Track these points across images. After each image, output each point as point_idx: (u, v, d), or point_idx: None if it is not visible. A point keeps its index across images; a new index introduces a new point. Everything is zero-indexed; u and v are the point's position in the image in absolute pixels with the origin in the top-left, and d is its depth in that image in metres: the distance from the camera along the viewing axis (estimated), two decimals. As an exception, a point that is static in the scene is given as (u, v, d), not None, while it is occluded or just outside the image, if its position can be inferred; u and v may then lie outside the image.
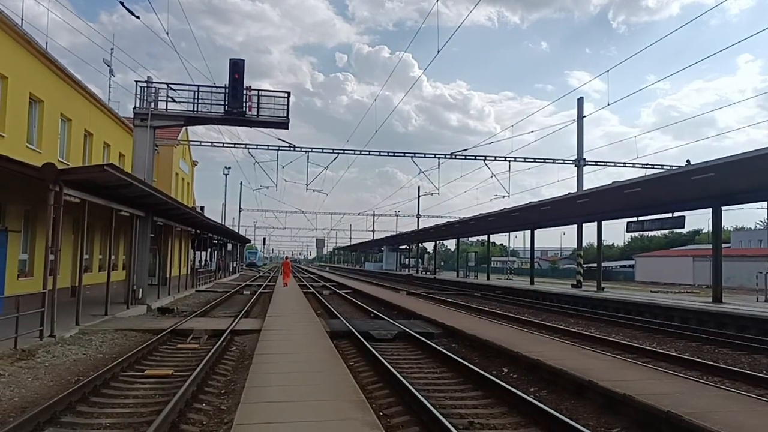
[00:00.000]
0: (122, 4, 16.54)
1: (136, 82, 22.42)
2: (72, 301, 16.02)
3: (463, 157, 36.59)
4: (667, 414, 6.81)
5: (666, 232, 77.39)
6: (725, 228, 79.89)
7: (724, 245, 36.75)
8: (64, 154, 22.34)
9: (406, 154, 36.96)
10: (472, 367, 10.51)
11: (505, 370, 11.09)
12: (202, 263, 48.23)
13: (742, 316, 18.44)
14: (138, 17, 18.12)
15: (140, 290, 21.08)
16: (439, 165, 37.85)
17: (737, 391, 8.47)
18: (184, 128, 37.37)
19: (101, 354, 11.88)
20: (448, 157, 36.81)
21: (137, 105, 22.23)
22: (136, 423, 7.27)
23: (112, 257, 21.34)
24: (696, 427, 6.33)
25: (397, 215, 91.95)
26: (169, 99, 22.77)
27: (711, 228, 26.58)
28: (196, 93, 22.80)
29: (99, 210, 16.84)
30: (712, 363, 12.06)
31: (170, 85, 22.99)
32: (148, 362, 11.44)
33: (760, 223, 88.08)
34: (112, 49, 40.05)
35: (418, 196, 75.84)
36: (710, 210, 24.49)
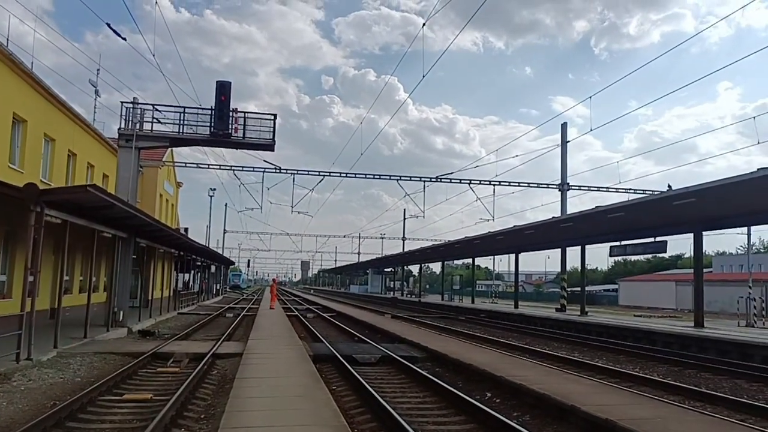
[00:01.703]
0: (109, 25, 16.60)
1: (122, 102, 22.48)
2: (51, 324, 15.78)
3: (449, 180, 36.78)
4: (648, 439, 6.80)
5: (649, 256, 78.12)
6: (707, 253, 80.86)
7: (705, 270, 37.15)
8: (47, 174, 22.16)
9: (392, 177, 37.05)
10: (455, 391, 10.46)
11: (489, 395, 11.04)
12: (186, 285, 47.79)
13: (723, 341, 18.56)
14: (124, 39, 18.17)
15: (121, 312, 20.84)
16: (424, 188, 38.02)
17: (718, 416, 8.50)
18: (169, 149, 37.28)
19: (79, 378, 11.68)
20: (434, 180, 36.97)
21: (122, 126, 22.21)
22: (112, 449, 7.13)
23: (93, 279, 21.10)
24: (677, 452, 6.33)
25: (382, 238, 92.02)
26: (155, 120, 22.79)
27: (692, 253, 26.83)
28: (182, 114, 22.85)
29: (81, 231, 16.67)
30: (693, 387, 12.10)
31: (156, 107, 23.02)
32: (127, 386, 11.26)
33: (741, 248, 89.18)
34: (98, 69, 39.83)
35: (404, 219, 76.09)
36: (692, 235, 24.76)
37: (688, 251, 74.39)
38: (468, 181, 36.69)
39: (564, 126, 36.07)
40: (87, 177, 26.82)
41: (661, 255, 36.29)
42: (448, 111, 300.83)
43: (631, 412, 8.15)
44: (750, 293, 31.97)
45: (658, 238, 26.72)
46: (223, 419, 7.41)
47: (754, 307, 31.59)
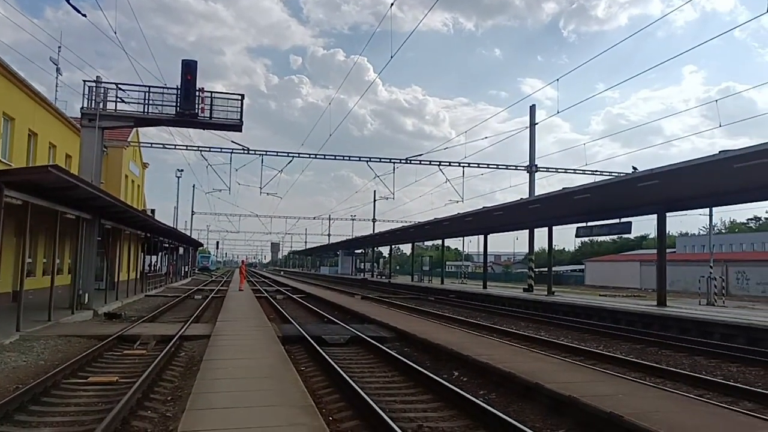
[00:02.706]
0: (68, 1, 16.06)
1: (84, 81, 21.83)
2: (13, 307, 15.48)
3: (418, 162, 36.86)
4: (609, 414, 6.98)
5: (614, 237, 79.62)
6: (670, 233, 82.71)
7: (669, 250, 37.94)
8: (7, 154, 21.58)
9: (362, 159, 36.97)
10: (423, 370, 10.57)
11: (456, 374, 11.18)
12: (153, 267, 47.19)
13: (684, 319, 19.05)
14: (85, 15, 17.65)
15: (86, 295, 20.51)
16: (394, 170, 38.01)
17: (677, 392, 8.75)
18: (134, 129, 36.56)
19: (42, 361, 11.50)
20: (403, 162, 37.01)
21: (85, 105, 21.63)
22: (77, 432, 7.06)
23: (57, 261, 20.72)
24: (636, 427, 6.51)
25: (353, 219, 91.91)
26: (119, 99, 22.23)
27: (656, 233, 27.38)
28: (147, 94, 22.31)
29: (43, 212, 16.31)
30: (654, 364, 12.42)
31: (120, 86, 22.46)
32: (93, 369, 11.12)
33: (704, 228, 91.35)
34: (59, 47, 38.58)
35: (374, 201, 76.05)
36: (655, 216, 25.25)
37: (653, 232, 76.06)
38: (438, 163, 36.82)
39: (532, 108, 36.30)
40: (49, 157, 26.19)
41: (626, 236, 37.02)
42: (418, 92, 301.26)
43: (593, 389, 8.34)
44: (711, 273, 32.82)
45: (623, 219, 27.19)
46: (190, 400, 7.38)
47: (715, 286, 32.45)
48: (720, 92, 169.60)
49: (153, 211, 48.42)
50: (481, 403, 8.17)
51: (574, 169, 38.25)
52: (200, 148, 35.15)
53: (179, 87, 22.03)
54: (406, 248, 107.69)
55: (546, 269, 37.05)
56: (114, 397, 8.55)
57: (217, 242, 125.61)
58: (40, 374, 9.89)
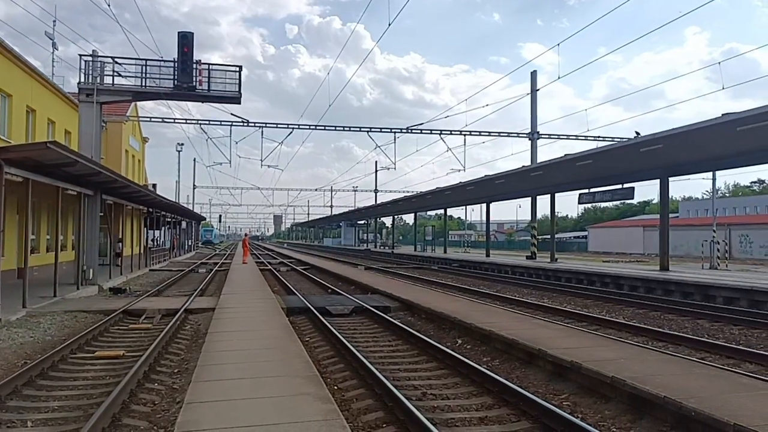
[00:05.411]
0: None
1: (81, 56, 21.63)
2: (18, 283, 15.58)
3: (419, 131, 36.67)
4: (611, 379, 7.03)
5: (617, 203, 79.46)
6: (674, 198, 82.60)
7: (672, 215, 37.95)
8: (5, 131, 21.48)
9: (362, 129, 36.80)
10: (427, 339, 10.65)
11: (459, 342, 11.26)
12: (156, 242, 47.36)
13: (686, 283, 19.11)
14: (79, -12, 17.37)
15: (91, 270, 20.60)
16: (395, 139, 37.90)
17: (679, 355, 8.80)
18: (133, 104, 36.35)
19: (49, 336, 11.59)
20: (404, 131, 36.83)
21: (82, 80, 21.45)
22: (85, 405, 7.14)
23: (61, 237, 20.79)
24: (639, 390, 6.56)
25: (355, 190, 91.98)
26: (116, 74, 22.05)
27: (659, 198, 27.32)
28: (144, 67, 22.13)
29: (44, 189, 16.30)
30: (657, 329, 12.49)
31: (116, 60, 22.25)
32: (99, 343, 11.21)
33: (707, 193, 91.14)
34: (54, 21, 38.34)
35: (375, 171, 75.89)
36: (658, 181, 25.16)
37: (656, 197, 75.83)
38: (439, 132, 36.66)
39: (533, 74, 35.96)
40: (48, 134, 26.08)
41: (629, 201, 37.08)
42: (417, 60, 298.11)
43: (596, 354, 8.39)
44: (714, 237, 32.84)
45: (626, 185, 27.10)
46: (196, 373, 7.45)
47: (718, 250, 32.51)
48: (724, 54, 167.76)
49: (154, 185, 48.39)
50: (485, 370, 8.23)
51: (576, 136, 38.07)
52: (199, 122, 35.01)
53: (176, 60, 21.84)
54: (409, 218, 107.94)
55: (549, 236, 37.09)
56: (121, 371, 8.64)
57: (220, 216, 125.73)
58: (47, 349, 9.99)
